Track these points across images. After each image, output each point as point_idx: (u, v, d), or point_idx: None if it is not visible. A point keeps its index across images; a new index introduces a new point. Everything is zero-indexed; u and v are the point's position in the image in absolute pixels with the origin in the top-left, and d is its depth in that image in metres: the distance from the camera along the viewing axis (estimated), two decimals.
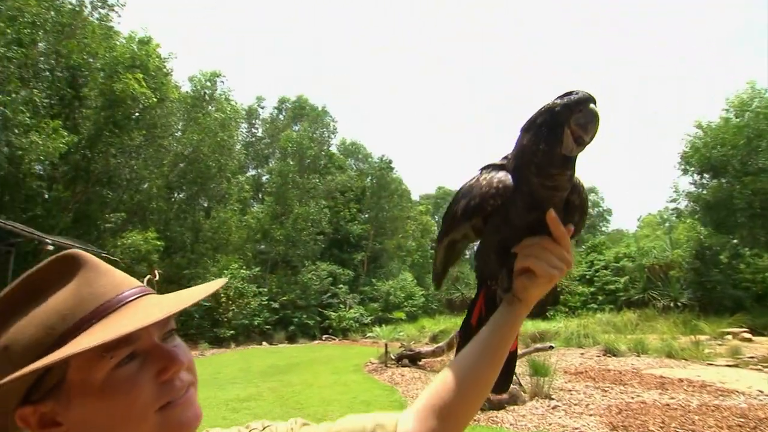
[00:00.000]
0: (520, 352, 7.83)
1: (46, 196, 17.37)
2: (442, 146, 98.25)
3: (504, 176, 0.71)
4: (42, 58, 17.93)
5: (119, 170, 19.39)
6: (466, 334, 0.82)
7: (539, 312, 18.52)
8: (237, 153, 25.13)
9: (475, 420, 6.15)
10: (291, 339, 21.06)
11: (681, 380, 7.96)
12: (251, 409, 7.56)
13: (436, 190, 51.38)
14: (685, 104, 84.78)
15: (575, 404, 6.56)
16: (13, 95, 14.68)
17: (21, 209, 16.28)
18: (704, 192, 21.27)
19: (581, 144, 0.66)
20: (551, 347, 7.58)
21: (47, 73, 18.19)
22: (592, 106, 0.65)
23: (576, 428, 5.54)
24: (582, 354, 11.57)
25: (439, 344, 8.71)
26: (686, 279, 20.52)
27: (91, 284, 0.54)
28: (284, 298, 22.42)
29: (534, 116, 0.69)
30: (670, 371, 8.95)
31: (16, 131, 14.90)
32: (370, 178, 33.01)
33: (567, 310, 21.72)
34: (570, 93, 0.66)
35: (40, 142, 14.46)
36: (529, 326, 14.18)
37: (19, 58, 15.40)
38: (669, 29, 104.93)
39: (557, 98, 0.67)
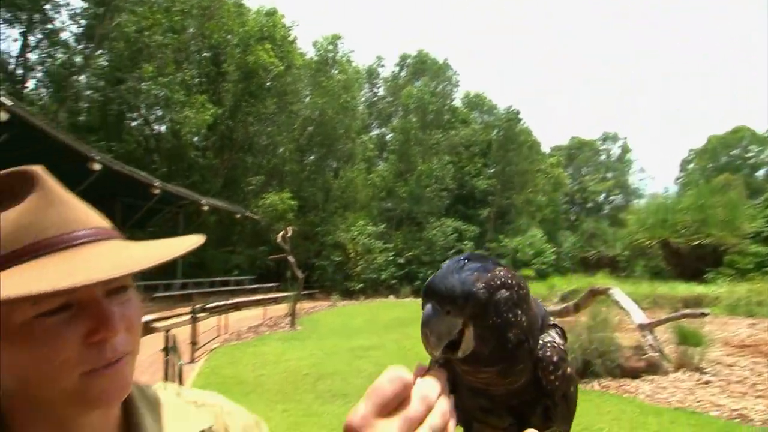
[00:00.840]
0: (663, 317, 6.78)
1: (201, 162, 20.01)
2: (577, 93, 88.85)
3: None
4: (192, 42, 20.24)
5: (257, 137, 21.44)
6: None
7: (695, 274, 15.96)
8: (360, 113, 25.83)
9: (604, 387, 5.55)
10: (417, 293, 21.55)
11: None
12: (373, 358, 7.92)
13: (569, 141, 47.15)
14: None
15: (736, 382, 5.49)
16: (170, 77, 16.89)
17: (185, 176, 19.07)
18: None
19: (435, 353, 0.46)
20: (704, 314, 6.37)
21: (195, 55, 20.54)
22: (428, 307, 0.46)
23: (736, 410, 4.64)
24: (752, 325, 9.72)
25: (567, 304, 7.92)
26: None
27: (37, 213, 0.45)
28: (410, 253, 23.01)
29: None
30: None
31: (176, 108, 17.28)
32: (496, 130, 31.39)
33: (733, 272, 18.39)
34: None
35: (192, 116, 16.55)
36: (681, 289, 12.33)
37: (173, 43, 17.58)
38: None
39: None
